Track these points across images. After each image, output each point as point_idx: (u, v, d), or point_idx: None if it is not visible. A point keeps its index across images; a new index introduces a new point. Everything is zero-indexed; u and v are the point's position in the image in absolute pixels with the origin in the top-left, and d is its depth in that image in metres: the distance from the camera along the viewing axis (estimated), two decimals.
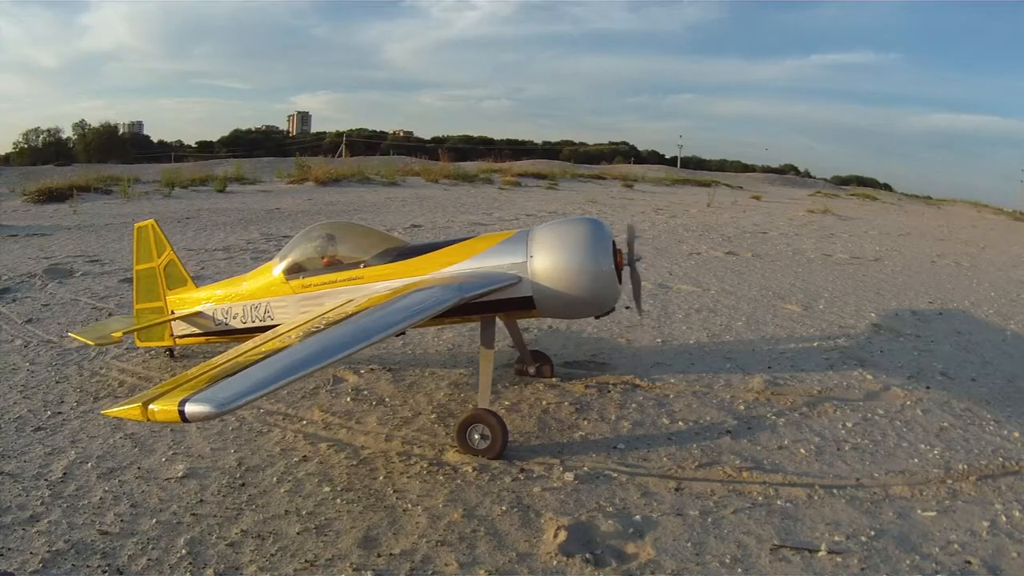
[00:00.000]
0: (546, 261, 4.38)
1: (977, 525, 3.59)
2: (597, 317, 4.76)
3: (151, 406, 2.86)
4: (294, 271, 5.08)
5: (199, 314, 5.55)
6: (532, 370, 5.51)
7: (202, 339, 5.64)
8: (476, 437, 4.16)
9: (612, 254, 4.40)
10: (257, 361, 3.23)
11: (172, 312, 5.74)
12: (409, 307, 3.91)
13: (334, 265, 5.00)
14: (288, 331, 3.89)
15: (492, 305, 4.43)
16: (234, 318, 5.34)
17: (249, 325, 5.24)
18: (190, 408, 2.77)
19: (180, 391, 2.95)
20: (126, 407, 2.95)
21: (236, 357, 3.46)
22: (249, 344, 3.76)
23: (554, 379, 5.47)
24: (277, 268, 5.18)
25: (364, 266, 4.85)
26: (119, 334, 5.55)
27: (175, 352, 5.97)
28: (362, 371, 5.65)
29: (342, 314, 3.97)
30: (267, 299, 5.16)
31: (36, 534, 3.32)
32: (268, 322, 5.10)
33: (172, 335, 5.75)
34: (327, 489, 3.80)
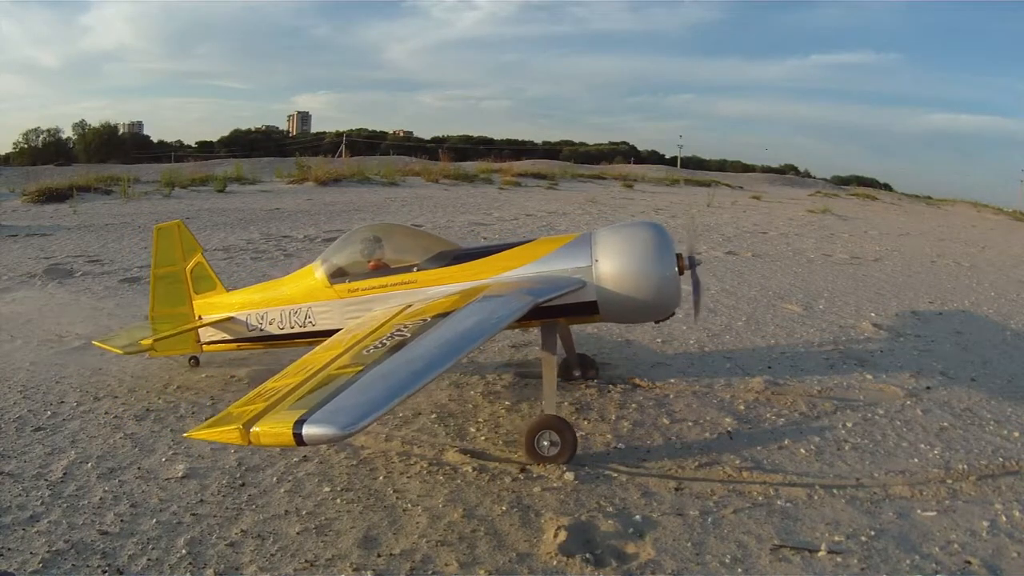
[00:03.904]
0: (612, 265, 4.34)
1: (977, 525, 3.59)
2: (656, 322, 4.69)
3: (253, 428, 2.69)
4: (338, 275, 4.93)
5: (230, 319, 5.38)
6: (577, 373, 5.43)
7: (233, 346, 5.49)
8: (545, 444, 4.06)
9: (675, 258, 4.37)
10: (358, 376, 3.06)
11: (200, 317, 5.56)
12: (493, 312, 3.80)
13: (381, 269, 4.87)
14: (360, 340, 3.70)
15: (555, 310, 4.34)
16: (270, 324, 5.20)
17: (287, 331, 5.12)
18: (310, 431, 2.60)
19: (283, 412, 2.75)
20: (217, 429, 2.78)
21: (321, 370, 3.28)
22: (321, 356, 3.58)
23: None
24: (319, 272, 5.02)
25: (417, 270, 4.72)
26: (148, 341, 5.33)
27: (199, 360, 5.76)
28: None
29: (416, 320, 3.82)
30: (308, 304, 5.00)
31: (36, 534, 3.32)
32: (309, 328, 5.00)
33: (199, 342, 5.57)
34: (327, 489, 3.80)
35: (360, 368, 3.15)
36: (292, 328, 5.10)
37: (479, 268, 4.61)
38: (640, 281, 4.31)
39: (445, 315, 3.83)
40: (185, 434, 3.14)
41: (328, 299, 4.93)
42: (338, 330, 4.78)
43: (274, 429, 2.67)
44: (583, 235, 4.60)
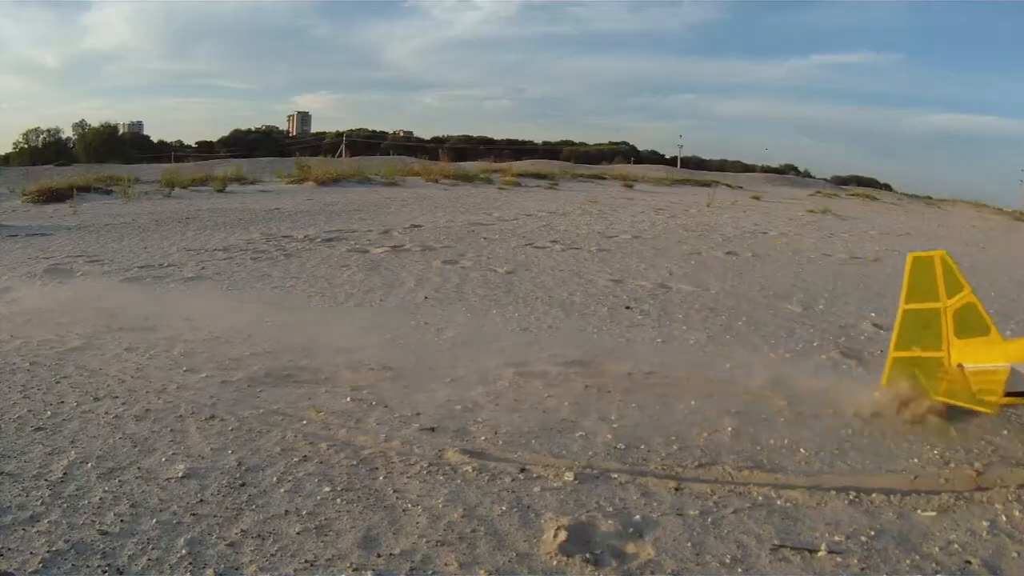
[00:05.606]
0: None
1: (977, 525, 3.59)
2: None
3: None
4: None
5: None
6: None
7: None
8: None
9: None
10: None
11: (960, 365, 4.67)
12: None
13: None
14: None
15: None
16: None
17: None
18: None
19: None
20: None
21: None
22: None
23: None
24: None
25: None
26: (995, 399, 4.35)
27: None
28: (362, 370, 5.65)
29: None
30: None
31: (36, 534, 3.32)
32: None
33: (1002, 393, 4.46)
34: (327, 489, 3.80)
35: None
36: None
37: None
38: None
39: None
40: None
41: None
42: None
43: None
44: None
